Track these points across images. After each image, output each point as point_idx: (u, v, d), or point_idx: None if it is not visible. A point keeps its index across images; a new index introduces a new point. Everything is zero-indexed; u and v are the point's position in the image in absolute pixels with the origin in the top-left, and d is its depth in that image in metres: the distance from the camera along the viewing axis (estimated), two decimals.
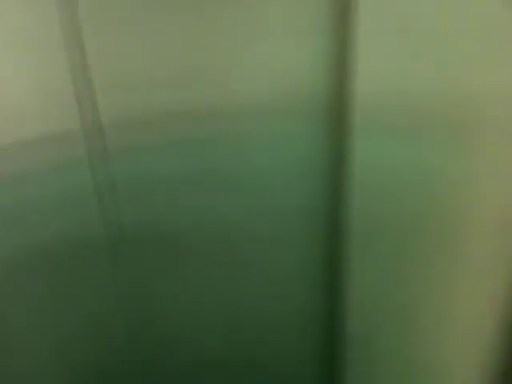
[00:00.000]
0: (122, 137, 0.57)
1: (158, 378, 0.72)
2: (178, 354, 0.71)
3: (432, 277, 0.68)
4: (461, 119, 0.57)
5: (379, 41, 0.54)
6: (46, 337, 0.65)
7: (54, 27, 0.51)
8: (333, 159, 0.61)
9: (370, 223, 0.62)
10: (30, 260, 0.60)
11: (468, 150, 0.58)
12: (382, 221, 0.62)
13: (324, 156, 0.61)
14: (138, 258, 0.64)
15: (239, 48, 0.55)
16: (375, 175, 0.60)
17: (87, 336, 0.67)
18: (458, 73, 0.54)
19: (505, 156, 0.58)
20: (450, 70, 0.54)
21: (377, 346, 0.71)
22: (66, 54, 0.52)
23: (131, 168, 0.59)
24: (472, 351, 0.74)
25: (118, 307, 0.66)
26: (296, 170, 0.61)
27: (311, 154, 0.60)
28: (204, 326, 0.70)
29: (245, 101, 0.57)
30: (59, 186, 0.57)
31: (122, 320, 0.67)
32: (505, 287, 0.68)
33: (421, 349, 0.75)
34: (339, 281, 0.67)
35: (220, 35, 0.54)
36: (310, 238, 0.65)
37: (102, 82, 0.54)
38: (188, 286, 0.67)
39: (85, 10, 0.51)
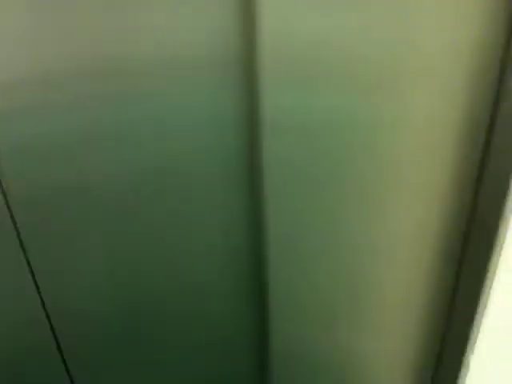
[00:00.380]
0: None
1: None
2: (113, 299, 0.74)
3: (346, 216, 0.70)
4: (369, 68, 0.58)
5: None
6: None
7: None
8: (246, 109, 0.62)
9: (283, 166, 0.63)
10: None
11: (375, 96, 0.60)
12: (294, 163, 0.63)
13: (237, 106, 0.61)
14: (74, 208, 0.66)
15: (148, 9, 0.55)
16: (287, 122, 0.60)
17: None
18: (365, 23, 0.55)
19: (410, 99, 0.60)
20: (358, 21, 0.55)
21: (301, 283, 0.73)
22: None
23: (50, 126, 0.60)
24: (399, 290, 0.77)
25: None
26: (211, 121, 0.62)
27: (226, 105, 0.61)
28: (135, 266, 0.72)
29: (158, 57, 0.57)
30: None
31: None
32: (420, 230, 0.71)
33: (346, 287, 0.76)
34: (259, 220, 0.69)
35: None
36: (227, 181, 0.67)
37: None
38: (114, 228, 0.68)
39: None
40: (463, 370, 0.87)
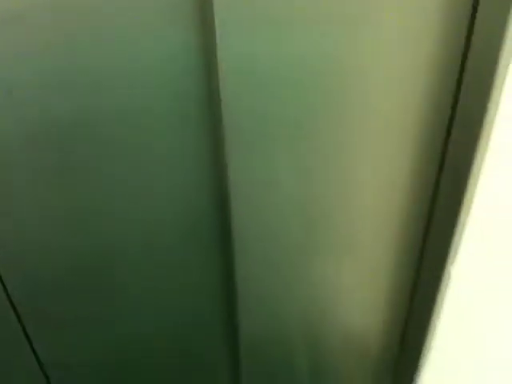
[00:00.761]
0: None
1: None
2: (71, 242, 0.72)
3: (311, 162, 0.71)
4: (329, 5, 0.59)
5: None
6: None
7: None
8: (202, 55, 0.62)
9: (243, 111, 0.64)
10: None
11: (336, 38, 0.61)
12: (255, 110, 0.64)
13: (193, 52, 0.61)
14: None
15: None
16: (245, 68, 0.61)
17: None
18: None
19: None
20: None
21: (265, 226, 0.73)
22: None
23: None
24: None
25: None
26: (168, 68, 0.61)
27: (181, 50, 0.61)
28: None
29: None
30: None
31: None
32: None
33: (313, 234, 0.78)
34: (220, 159, 0.69)
35: None
36: (187, 122, 0.66)
37: None
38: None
39: None
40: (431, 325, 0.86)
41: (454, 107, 0.68)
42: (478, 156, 0.68)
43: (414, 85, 0.67)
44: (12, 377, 0.83)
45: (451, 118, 0.69)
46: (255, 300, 0.83)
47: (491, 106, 0.63)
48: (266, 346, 0.90)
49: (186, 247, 0.78)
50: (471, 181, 0.70)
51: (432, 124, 0.70)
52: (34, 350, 0.81)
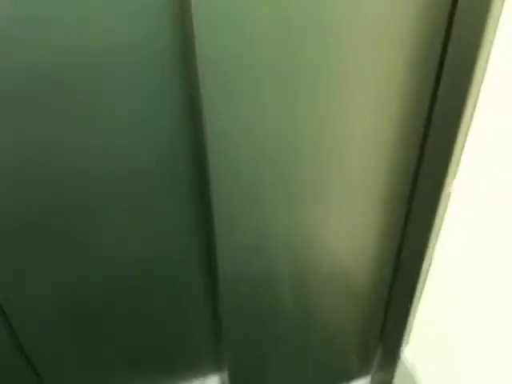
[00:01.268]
0: None
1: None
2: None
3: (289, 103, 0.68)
4: None
5: None
6: None
7: None
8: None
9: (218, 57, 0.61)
10: None
11: None
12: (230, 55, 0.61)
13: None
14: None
15: None
16: (220, 13, 0.57)
17: None
18: None
19: None
20: None
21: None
22: None
23: None
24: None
25: None
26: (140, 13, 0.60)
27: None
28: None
29: None
30: None
31: None
32: None
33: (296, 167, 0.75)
34: (196, 105, 0.66)
35: None
36: (161, 72, 0.65)
37: None
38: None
39: None
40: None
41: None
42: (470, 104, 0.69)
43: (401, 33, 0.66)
44: None
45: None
46: (235, 239, 0.80)
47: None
48: (247, 285, 0.87)
49: (163, 192, 0.76)
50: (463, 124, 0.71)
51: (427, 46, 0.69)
52: None
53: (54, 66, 0.61)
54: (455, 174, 0.75)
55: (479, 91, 0.67)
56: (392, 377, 1.08)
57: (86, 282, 0.84)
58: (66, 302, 0.85)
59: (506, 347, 0.74)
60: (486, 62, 0.65)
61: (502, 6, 0.60)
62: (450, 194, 0.76)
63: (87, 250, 0.79)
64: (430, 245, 0.84)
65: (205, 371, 1.08)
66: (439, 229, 0.81)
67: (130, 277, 0.86)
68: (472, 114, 0.69)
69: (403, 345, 1.02)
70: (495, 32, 0.63)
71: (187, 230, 0.83)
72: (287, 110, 0.68)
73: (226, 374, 1.03)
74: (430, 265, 0.88)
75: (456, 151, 0.73)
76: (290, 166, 0.74)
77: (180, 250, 0.85)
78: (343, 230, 0.86)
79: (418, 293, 0.93)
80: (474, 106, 0.69)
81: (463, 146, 0.73)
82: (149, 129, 0.69)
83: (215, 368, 1.09)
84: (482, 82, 0.66)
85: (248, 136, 0.69)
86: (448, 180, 0.75)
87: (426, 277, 0.90)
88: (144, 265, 0.85)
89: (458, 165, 0.74)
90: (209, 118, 0.65)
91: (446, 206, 0.78)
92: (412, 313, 0.97)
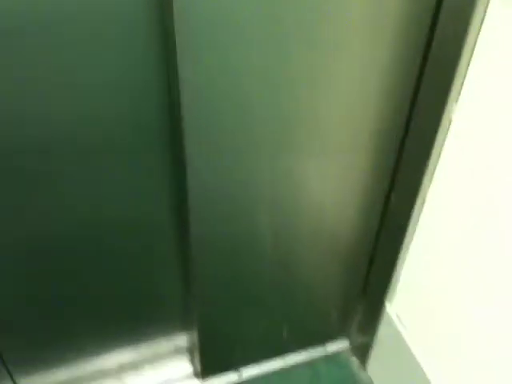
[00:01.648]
0: None
1: None
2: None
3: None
4: None
5: None
6: None
7: None
8: None
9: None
10: None
11: None
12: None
13: None
14: None
15: None
16: None
17: None
18: None
19: None
20: None
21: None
22: None
23: None
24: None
25: None
26: None
27: None
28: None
29: None
30: None
31: None
32: None
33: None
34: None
35: None
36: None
37: None
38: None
39: None
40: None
41: None
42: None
43: None
44: None
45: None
46: (209, 188, 0.75)
47: None
48: (221, 242, 0.83)
49: (136, 145, 0.71)
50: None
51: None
52: None
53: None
54: (456, 99, 0.67)
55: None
56: (372, 337, 1.02)
57: (48, 232, 0.77)
58: (29, 253, 0.78)
59: (494, 303, 0.68)
60: None
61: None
62: (450, 121, 0.68)
63: (51, 199, 0.73)
64: (423, 186, 0.76)
65: (174, 330, 1.02)
66: (434, 168, 0.74)
67: (94, 233, 0.80)
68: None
69: (387, 302, 0.96)
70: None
71: (160, 183, 0.77)
72: (268, 51, 0.63)
73: (195, 334, 0.96)
74: (420, 211, 0.80)
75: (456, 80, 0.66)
76: (271, 108, 0.69)
77: (152, 201, 0.79)
78: (328, 172, 0.79)
79: (405, 244, 0.86)
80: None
81: (465, 74, 0.65)
82: (123, 77, 0.65)
83: (185, 327, 1.02)
84: None
85: (223, 80, 0.64)
86: (448, 106, 0.67)
87: (415, 226, 0.83)
88: (113, 220, 0.79)
89: (459, 91, 0.66)
90: (182, 63, 0.61)
91: (444, 140, 0.70)
92: (398, 268, 0.91)
